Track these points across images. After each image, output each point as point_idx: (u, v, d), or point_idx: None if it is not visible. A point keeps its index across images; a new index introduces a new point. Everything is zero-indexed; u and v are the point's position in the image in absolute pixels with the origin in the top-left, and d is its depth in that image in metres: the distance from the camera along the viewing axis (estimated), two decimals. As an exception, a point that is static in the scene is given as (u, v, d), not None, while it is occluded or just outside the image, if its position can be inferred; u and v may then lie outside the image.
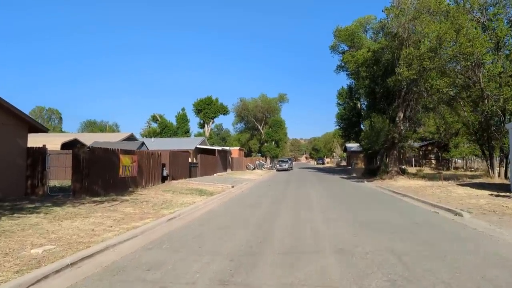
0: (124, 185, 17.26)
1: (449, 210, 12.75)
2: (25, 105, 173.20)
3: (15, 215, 10.10)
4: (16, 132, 14.19)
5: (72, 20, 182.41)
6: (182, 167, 27.61)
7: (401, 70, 24.71)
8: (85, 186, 14.66)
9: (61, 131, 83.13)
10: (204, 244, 7.99)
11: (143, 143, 26.74)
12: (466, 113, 25.98)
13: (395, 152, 32.10)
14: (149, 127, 73.82)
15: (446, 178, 27.29)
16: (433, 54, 21.80)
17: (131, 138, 32.17)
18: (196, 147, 41.05)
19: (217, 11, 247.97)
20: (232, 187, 22.61)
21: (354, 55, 38.49)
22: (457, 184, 21.37)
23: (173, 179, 24.06)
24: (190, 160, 36.12)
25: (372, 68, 34.23)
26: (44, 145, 15.38)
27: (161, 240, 8.47)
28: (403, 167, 38.04)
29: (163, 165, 22.26)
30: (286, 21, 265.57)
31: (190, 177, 29.59)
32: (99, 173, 15.44)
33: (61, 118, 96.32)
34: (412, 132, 38.10)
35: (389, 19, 28.83)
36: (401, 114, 31.27)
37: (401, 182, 25.92)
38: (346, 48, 48.64)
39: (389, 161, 31.98)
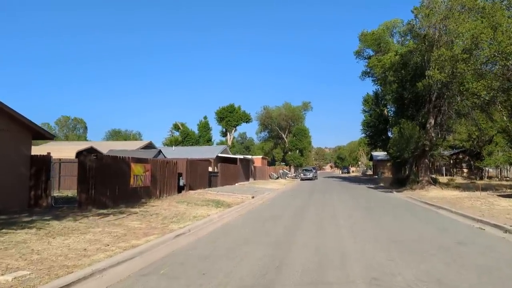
0: (135, 196, 16.20)
1: (496, 226, 11.15)
2: (51, 115, 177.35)
3: (3, 230, 9.08)
4: (19, 138, 13.33)
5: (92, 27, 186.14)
6: (201, 176, 26.52)
7: (432, 73, 23.03)
8: (92, 197, 13.64)
9: (85, 140, 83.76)
10: (211, 268, 6.73)
11: (160, 151, 25.77)
12: (504, 118, 24.03)
13: (426, 160, 30.23)
14: (172, 135, 73.39)
15: (483, 189, 25.36)
16: (468, 56, 20.07)
17: (149, 146, 31.29)
18: (217, 156, 39.98)
19: (239, 21, 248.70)
20: (252, 197, 21.33)
21: (380, 59, 36.93)
22: (498, 195, 19.52)
23: (190, 189, 22.97)
24: (211, 169, 35.09)
25: (400, 72, 32.53)
26: (49, 153, 14.47)
27: (161, 262, 7.26)
28: (433, 176, 36.01)
29: (180, 175, 21.17)
30: (310, 28, 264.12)
31: (209, 187, 28.47)
32: (108, 183, 14.41)
33: (86, 127, 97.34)
34: (443, 140, 36.00)
35: (418, 20, 27.17)
36: (432, 120, 29.44)
37: (434, 193, 24.17)
38: (371, 53, 47.03)
39: (420, 170, 30.13)
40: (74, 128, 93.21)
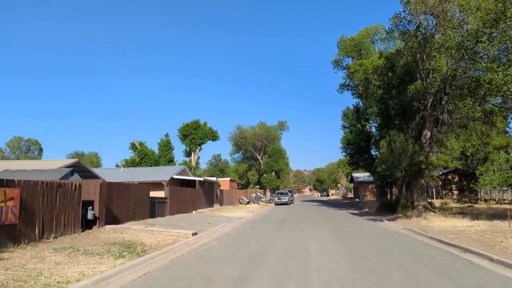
0: (-20, 242, 9.85)
1: None
2: (2, 136, 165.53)
3: None
4: None
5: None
6: (136, 204, 20.25)
7: (436, 64, 17.52)
8: None
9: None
10: None
11: (72, 171, 19.37)
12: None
13: (422, 181, 24.57)
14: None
15: (494, 215, 19.99)
16: (490, 31, 14.61)
17: (77, 165, 25.09)
18: (172, 178, 33.53)
19: (212, 35, 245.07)
20: (194, 234, 15.04)
21: (362, 63, 31.80)
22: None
23: (115, 222, 16.65)
24: (163, 194, 28.80)
25: (386, 75, 27.23)
26: None
27: None
28: (430, 200, 30.46)
29: (88, 203, 14.83)
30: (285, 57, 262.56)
31: (152, 216, 22.20)
32: None
33: (41, 149, 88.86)
34: (430, 157, 30.17)
35: (410, 5, 21.84)
36: (427, 132, 23.97)
37: (438, 223, 18.44)
38: (351, 62, 42.29)
39: (415, 192, 24.39)
40: (28, 150, 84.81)
